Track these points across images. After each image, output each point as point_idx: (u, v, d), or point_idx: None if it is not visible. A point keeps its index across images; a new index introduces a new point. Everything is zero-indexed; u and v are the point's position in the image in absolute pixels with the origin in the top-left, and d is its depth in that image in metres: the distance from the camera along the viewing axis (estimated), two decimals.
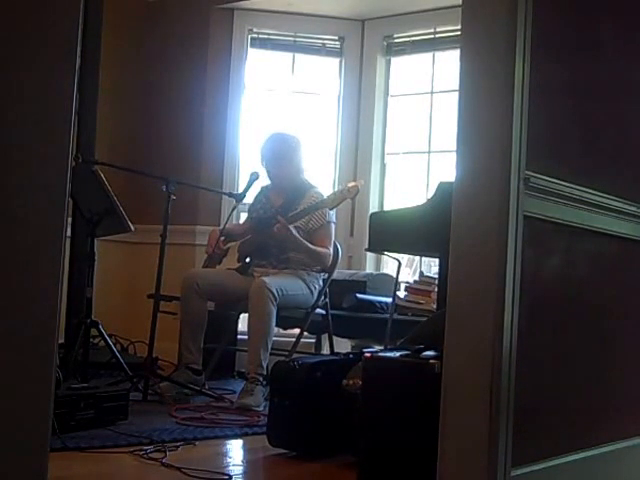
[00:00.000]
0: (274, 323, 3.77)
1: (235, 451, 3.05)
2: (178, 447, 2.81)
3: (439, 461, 2.12)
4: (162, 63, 5.50)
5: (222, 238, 4.17)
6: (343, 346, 4.56)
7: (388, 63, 5.47)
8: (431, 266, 5.00)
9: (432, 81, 5.33)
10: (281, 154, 4.15)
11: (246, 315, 3.88)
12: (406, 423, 2.36)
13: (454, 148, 2.19)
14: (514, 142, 2.09)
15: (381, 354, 2.52)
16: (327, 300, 4.20)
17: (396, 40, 5.41)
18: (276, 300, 3.73)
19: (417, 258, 5.15)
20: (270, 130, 4.46)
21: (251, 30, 5.48)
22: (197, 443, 2.92)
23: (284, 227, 3.89)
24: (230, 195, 4.26)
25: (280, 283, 3.83)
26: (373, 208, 5.24)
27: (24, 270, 1.44)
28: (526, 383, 2.17)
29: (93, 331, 3.85)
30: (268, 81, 5.58)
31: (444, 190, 2.97)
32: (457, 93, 2.20)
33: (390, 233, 3.29)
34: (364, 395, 2.48)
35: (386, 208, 5.28)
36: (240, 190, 4.19)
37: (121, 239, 4.52)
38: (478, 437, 2.06)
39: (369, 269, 5.19)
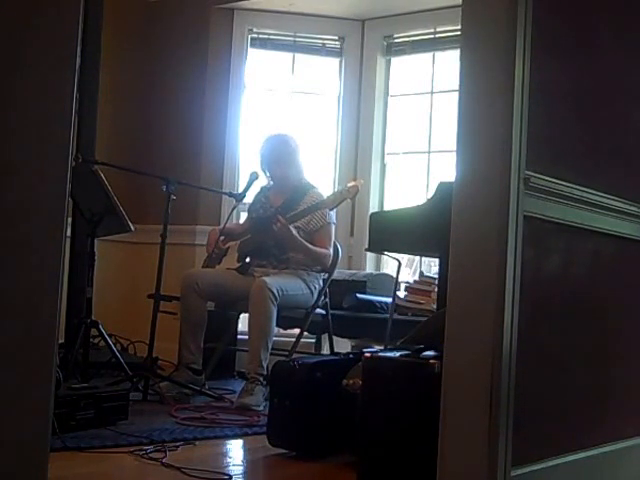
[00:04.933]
0: (274, 323, 3.77)
1: (235, 451, 3.05)
2: (178, 447, 2.81)
3: (439, 461, 2.12)
4: (162, 63, 5.50)
5: (222, 238, 4.17)
6: (343, 346, 4.56)
7: (388, 63, 5.46)
8: (431, 266, 5.00)
9: (432, 81, 5.33)
10: (282, 155, 4.15)
11: (246, 315, 3.89)
12: (406, 423, 2.36)
13: (454, 148, 2.19)
14: (514, 142, 2.09)
15: (381, 354, 2.52)
16: (327, 300, 4.20)
17: (396, 40, 5.41)
18: (276, 300, 3.73)
19: (417, 258, 5.15)
20: (266, 132, 4.45)
21: (251, 30, 5.47)
22: (197, 443, 2.92)
23: (284, 226, 3.88)
24: (230, 195, 4.27)
25: (280, 283, 3.83)
26: (373, 208, 5.23)
27: (24, 270, 1.44)
28: (526, 383, 2.17)
29: (93, 331, 3.85)
30: (268, 81, 5.58)
31: (444, 190, 2.97)
32: (457, 93, 2.20)
33: (390, 233, 3.29)
34: (364, 395, 2.47)
35: (386, 208, 5.27)
36: (240, 190, 4.20)
37: (121, 239, 4.52)
38: (478, 437, 2.06)
39: (369, 269, 5.19)
